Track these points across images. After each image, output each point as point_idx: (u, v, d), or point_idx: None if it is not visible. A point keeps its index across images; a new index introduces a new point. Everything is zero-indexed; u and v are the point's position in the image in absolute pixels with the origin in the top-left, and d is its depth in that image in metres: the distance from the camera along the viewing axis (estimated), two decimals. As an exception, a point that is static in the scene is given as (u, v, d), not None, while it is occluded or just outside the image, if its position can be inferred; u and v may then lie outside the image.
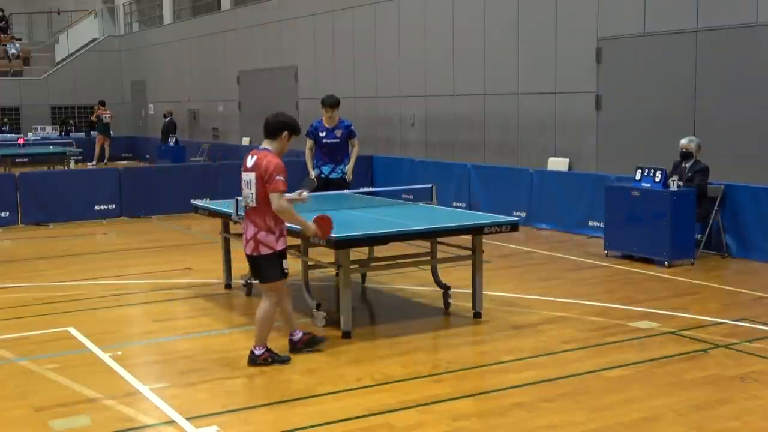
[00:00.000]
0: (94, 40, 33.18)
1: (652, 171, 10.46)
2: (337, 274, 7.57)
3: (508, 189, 13.87)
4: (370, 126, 18.69)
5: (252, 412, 5.70)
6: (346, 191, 10.07)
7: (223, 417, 5.59)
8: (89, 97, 30.33)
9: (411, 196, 10.13)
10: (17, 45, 33.45)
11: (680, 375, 6.30)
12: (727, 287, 9.21)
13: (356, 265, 8.18)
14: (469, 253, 8.00)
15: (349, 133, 10.22)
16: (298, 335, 6.96)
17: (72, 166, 21.35)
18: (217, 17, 25.58)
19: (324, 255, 8.64)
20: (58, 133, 29.20)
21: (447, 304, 8.33)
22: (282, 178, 6.45)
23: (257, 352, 6.67)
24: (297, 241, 7.75)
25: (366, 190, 11.49)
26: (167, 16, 29.69)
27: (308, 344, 6.94)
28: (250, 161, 6.62)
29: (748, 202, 10.62)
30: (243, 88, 24.15)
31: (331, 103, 9.95)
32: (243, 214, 6.86)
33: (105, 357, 6.96)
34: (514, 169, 14.23)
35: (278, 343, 6.93)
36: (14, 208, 14.53)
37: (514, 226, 7.96)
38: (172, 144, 23.40)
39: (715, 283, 9.41)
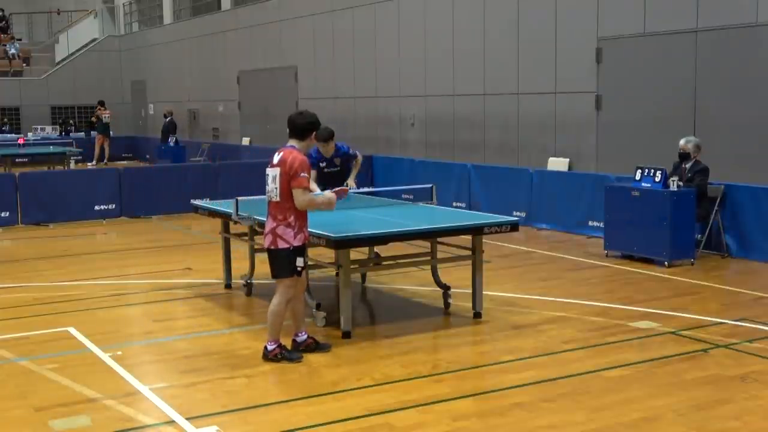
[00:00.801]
0: (94, 40, 33.18)
1: (652, 171, 10.46)
2: (337, 274, 7.57)
3: (508, 189, 13.87)
4: (370, 126, 18.70)
5: (252, 412, 5.70)
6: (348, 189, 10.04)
7: (223, 417, 5.59)
8: (89, 97, 30.33)
9: (411, 196, 10.13)
10: (17, 45, 33.45)
11: (680, 375, 6.30)
12: (727, 287, 9.21)
13: (356, 265, 8.18)
14: (469, 253, 8.00)
15: (348, 158, 9.75)
16: (303, 337, 6.98)
17: (72, 166, 21.36)
18: (217, 17, 25.58)
19: (324, 255, 8.64)
20: (58, 133, 29.19)
21: (447, 304, 8.33)
22: (306, 174, 6.60)
23: (269, 347, 6.73)
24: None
25: (366, 190, 11.48)
26: (167, 16, 29.69)
27: (310, 349, 6.95)
28: (276, 157, 6.72)
29: (748, 202, 10.62)
30: (243, 88, 24.15)
31: (325, 138, 9.25)
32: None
33: (105, 357, 6.96)
34: (514, 169, 14.23)
35: (288, 341, 6.93)
36: (14, 208, 14.53)
37: (514, 226, 7.96)
38: (172, 144, 23.39)
39: (715, 283, 9.41)
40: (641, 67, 12.48)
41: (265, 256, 9.43)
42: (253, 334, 7.57)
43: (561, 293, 8.98)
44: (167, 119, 24.45)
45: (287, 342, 6.89)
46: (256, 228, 8.41)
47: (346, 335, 7.31)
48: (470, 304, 8.04)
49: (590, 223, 12.46)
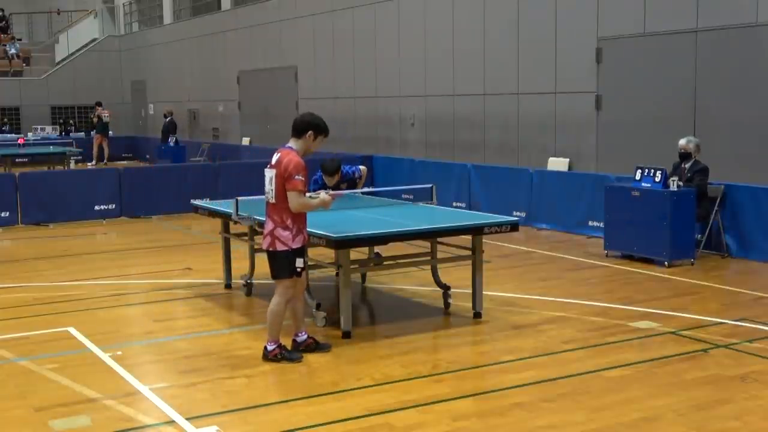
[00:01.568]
0: (94, 40, 33.18)
1: (652, 171, 10.46)
2: (337, 274, 7.58)
3: (508, 189, 13.87)
4: (370, 126, 18.70)
5: (252, 412, 5.70)
6: (346, 190, 10.04)
7: (223, 417, 5.59)
8: (89, 97, 30.34)
9: (411, 196, 10.13)
10: (17, 45, 33.45)
11: (680, 375, 6.30)
12: (727, 287, 9.21)
13: (356, 265, 8.18)
14: (469, 253, 8.00)
15: (354, 182, 9.41)
16: (303, 337, 6.98)
17: (72, 166, 21.36)
18: (217, 17, 25.58)
19: (324, 255, 8.64)
20: (58, 133, 29.20)
21: (447, 304, 8.33)
22: (301, 177, 6.53)
23: (269, 348, 6.73)
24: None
25: (366, 190, 11.48)
26: (167, 16, 29.69)
27: (310, 349, 6.95)
28: (274, 158, 6.69)
29: (748, 202, 10.62)
30: (243, 88, 24.15)
31: (331, 172, 8.91)
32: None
33: (105, 357, 6.96)
34: (514, 169, 14.23)
35: (288, 341, 6.93)
36: (14, 208, 14.53)
37: (514, 226, 7.96)
38: (172, 144, 23.39)
39: (715, 283, 9.41)
40: (641, 67, 12.48)
41: (265, 256, 9.48)
42: (253, 334, 7.57)
43: (561, 293, 8.98)
44: (167, 119, 24.46)
45: (287, 342, 6.89)
46: (256, 228, 8.41)
47: (346, 335, 7.31)
48: (470, 304, 8.04)
49: (590, 223, 12.46)
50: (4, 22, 34.92)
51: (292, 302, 6.87)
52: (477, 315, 7.97)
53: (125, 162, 26.96)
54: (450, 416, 5.53)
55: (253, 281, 9.06)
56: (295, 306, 6.92)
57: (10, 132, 29.69)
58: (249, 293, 9.02)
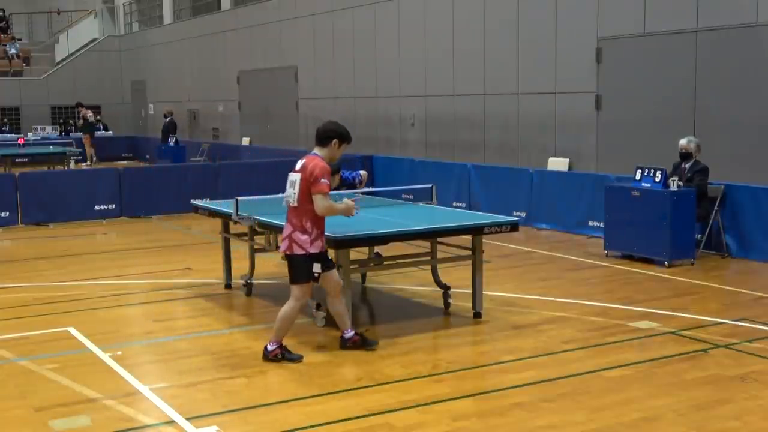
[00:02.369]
0: (94, 40, 33.19)
1: (652, 171, 10.46)
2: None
3: (508, 189, 13.87)
4: (370, 126, 18.70)
5: (252, 412, 5.70)
6: (345, 191, 10.04)
7: (223, 417, 5.59)
8: (89, 97, 30.34)
9: (411, 196, 10.13)
10: (17, 45, 33.45)
11: (680, 375, 6.30)
12: (727, 287, 9.21)
13: (356, 265, 8.18)
14: (469, 253, 8.00)
15: (354, 186, 9.35)
16: (350, 334, 7.01)
17: (72, 166, 21.37)
18: (217, 17, 25.58)
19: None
20: (58, 133, 29.20)
21: (447, 304, 8.33)
22: (326, 180, 6.60)
23: (269, 348, 6.73)
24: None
25: (366, 190, 11.47)
26: (167, 16, 29.69)
27: (356, 345, 6.97)
28: (299, 164, 6.76)
29: (748, 202, 10.62)
30: (243, 88, 24.15)
31: (332, 171, 9.11)
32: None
33: (105, 357, 6.96)
34: (514, 169, 14.23)
35: (288, 341, 6.92)
36: (14, 208, 14.53)
37: (514, 226, 7.97)
38: (172, 144, 23.40)
39: (715, 283, 9.41)
40: (641, 67, 12.48)
41: (264, 256, 9.50)
42: (253, 334, 7.57)
43: (561, 293, 8.98)
44: (167, 119, 24.46)
45: (288, 343, 6.88)
46: (256, 228, 8.42)
47: (346, 335, 7.31)
48: (470, 304, 8.03)
49: (590, 223, 12.46)
50: (4, 22, 34.92)
51: (331, 302, 6.92)
52: (477, 315, 7.97)
53: (125, 162, 26.96)
54: (450, 416, 5.53)
55: (253, 281, 9.05)
56: (335, 306, 6.94)
57: (10, 132, 29.69)
58: (249, 293, 9.02)
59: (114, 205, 15.29)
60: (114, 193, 15.33)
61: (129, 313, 8.73)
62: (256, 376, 6.44)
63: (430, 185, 9.56)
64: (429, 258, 8.46)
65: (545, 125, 14.19)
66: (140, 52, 31.35)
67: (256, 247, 8.87)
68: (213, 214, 9.30)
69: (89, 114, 26.65)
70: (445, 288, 8.37)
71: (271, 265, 10.29)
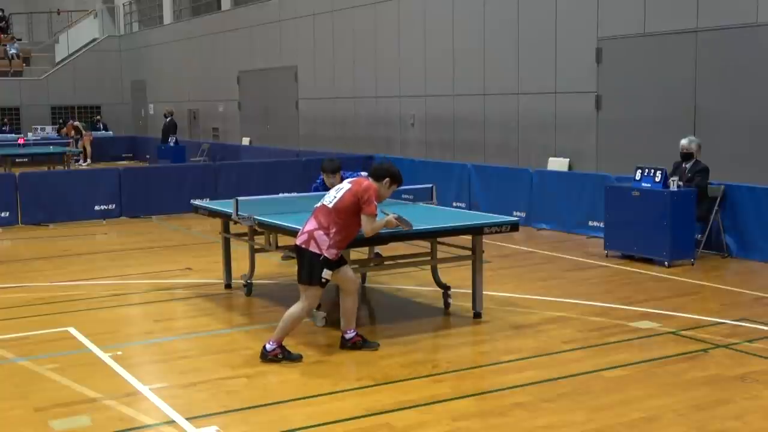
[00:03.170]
0: (94, 40, 33.18)
1: (652, 171, 10.45)
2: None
3: (508, 189, 13.87)
4: (370, 126, 18.70)
5: (252, 412, 5.70)
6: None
7: (223, 417, 5.59)
8: (89, 97, 30.37)
9: (411, 196, 10.11)
10: (17, 45, 33.44)
11: (680, 375, 6.30)
12: (727, 287, 9.21)
13: (356, 265, 8.18)
14: (469, 253, 8.00)
15: None
16: (351, 334, 7.02)
17: (75, 165, 21.40)
18: (217, 17, 25.58)
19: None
20: (58, 133, 29.20)
21: (447, 304, 8.32)
22: (376, 204, 6.75)
23: (269, 347, 6.72)
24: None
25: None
26: (167, 16, 29.69)
27: (357, 346, 6.98)
28: (351, 177, 7.08)
29: (748, 202, 10.62)
30: (243, 88, 24.16)
31: (332, 170, 8.88)
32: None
33: (105, 357, 6.95)
34: (514, 169, 14.23)
35: (288, 341, 6.92)
36: (14, 208, 14.53)
37: (514, 226, 7.97)
38: (172, 144, 23.40)
39: (715, 283, 9.41)
40: (641, 67, 12.48)
41: (264, 256, 9.50)
42: (253, 334, 7.57)
43: (561, 293, 8.98)
44: (167, 119, 24.47)
45: (288, 343, 6.87)
46: (256, 228, 8.41)
47: (346, 335, 7.31)
48: (470, 304, 8.03)
49: (590, 223, 12.46)
50: (4, 22, 34.93)
51: (344, 300, 6.95)
52: (477, 315, 7.97)
53: (125, 162, 26.97)
54: (450, 416, 5.53)
55: (253, 281, 9.05)
56: (346, 302, 6.96)
57: (10, 132, 29.68)
58: (249, 293, 9.01)
59: (114, 205, 15.28)
60: (114, 193, 15.32)
61: (129, 313, 8.73)
62: (256, 376, 6.44)
63: (430, 185, 9.56)
64: (429, 258, 8.46)
65: (545, 125, 14.19)
66: (140, 52, 31.35)
67: (256, 247, 8.87)
68: (213, 214, 9.30)
69: (78, 124, 26.75)
70: (445, 288, 8.37)
71: (271, 265, 10.29)
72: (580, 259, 10.94)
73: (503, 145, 15.08)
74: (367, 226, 6.73)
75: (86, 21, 33.91)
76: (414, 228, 7.12)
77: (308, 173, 14.49)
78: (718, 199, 10.70)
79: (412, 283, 9.47)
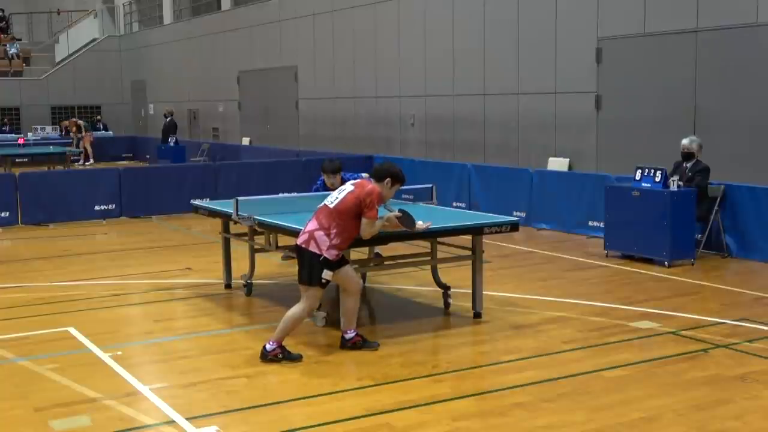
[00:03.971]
0: (94, 40, 33.19)
1: (652, 171, 10.46)
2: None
3: (508, 189, 13.87)
4: (370, 126, 18.70)
5: (252, 412, 5.70)
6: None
7: (223, 417, 5.59)
8: (89, 97, 30.36)
9: (411, 196, 10.12)
10: (17, 45, 33.44)
11: (680, 375, 6.30)
12: (727, 287, 9.21)
13: (356, 265, 8.17)
14: (469, 253, 8.00)
15: None
16: (351, 335, 7.01)
17: (77, 165, 21.41)
18: (217, 17, 25.58)
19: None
20: (58, 133, 29.20)
21: (447, 304, 8.32)
22: (378, 208, 6.74)
23: (269, 347, 6.72)
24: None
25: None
26: (167, 16, 29.69)
27: (356, 346, 6.98)
28: (351, 178, 7.05)
29: (748, 202, 10.62)
30: (243, 88, 24.16)
31: (332, 170, 8.87)
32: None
33: (105, 357, 6.96)
34: (514, 169, 14.23)
35: (288, 341, 6.92)
36: (14, 208, 14.52)
37: (514, 226, 7.97)
38: (172, 144, 23.40)
39: (715, 283, 9.41)
40: (641, 67, 12.48)
41: (264, 256, 9.50)
42: (253, 334, 7.57)
43: (561, 293, 8.98)
44: (167, 119, 24.47)
45: (288, 343, 6.87)
46: (256, 228, 8.41)
47: (346, 335, 7.30)
48: (470, 304, 8.03)
49: (590, 223, 12.46)
50: (4, 22, 34.93)
51: (345, 300, 6.95)
52: (477, 315, 7.97)
53: (125, 162, 26.97)
54: (450, 416, 5.53)
55: (253, 281, 9.05)
56: (347, 302, 6.96)
57: (10, 132, 29.69)
58: (249, 293, 9.01)
59: (114, 205, 15.28)
60: (114, 193, 15.32)
61: (129, 313, 8.73)
62: (256, 376, 6.44)
63: (430, 185, 9.56)
64: (429, 258, 8.46)
65: (545, 125, 14.19)
66: (140, 52, 31.35)
67: (256, 247, 8.87)
68: (213, 214, 9.30)
69: (80, 122, 26.74)
70: (445, 288, 8.37)
71: (271, 265, 10.29)
72: (580, 259, 10.94)
73: (503, 145, 15.08)
74: (366, 230, 6.76)
75: (86, 21, 33.91)
76: (415, 227, 7.12)
77: (308, 173, 14.50)
78: (718, 199, 10.70)
79: (412, 283, 9.47)
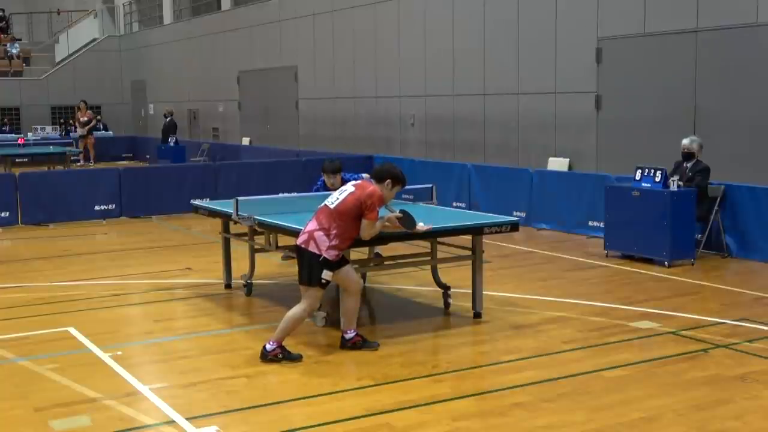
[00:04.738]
0: (94, 40, 33.17)
1: (652, 171, 10.46)
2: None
3: (508, 189, 13.87)
4: (370, 126, 18.70)
5: (252, 412, 5.70)
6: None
7: (223, 417, 5.59)
8: (89, 97, 30.28)
9: (411, 196, 10.12)
10: (17, 45, 33.43)
11: (680, 375, 6.30)
12: (727, 287, 9.21)
13: (356, 265, 8.17)
14: (469, 253, 8.00)
15: None
16: (351, 335, 7.02)
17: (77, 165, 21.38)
18: (217, 17, 25.58)
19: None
20: (58, 133, 29.19)
21: (447, 304, 8.32)
22: (378, 210, 6.74)
23: (269, 347, 6.72)
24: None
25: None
26: (167, 16, 29.68)
27: (356, 346, 6.98)
28: (352, 178, 7.02)
29: (748, 202, 10.62)
30: (243, 88, 24.15)
31: (333, 170, 8.89)
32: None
33: (105, 357, 6.96)
34: (514, 169, 14.23)
35: (288, 341, 6.92)
36: (14, 208, 14.52)
37: (514, 226, 7.97)
38: (172, 144, 23.40)
39: (715, 283, 9.41)
40: (641, 67, 12.48)
41: (264, 256, 9.50)
42: (253, 334, 7.57)
43: (561, 293, 8.98)
44: (167, 119, 24.47)
45: (288, 343, 6.87)
46: (256, 228, 8.41)
47: (346, 335, 7.30)
48: (470, 304, 8.03)
49: (590, 223, 12.46)
50: (4, 22, 34.91)
51: (345, 300, 6.96)
52: (477, 315, 7.97)
53: (125, 162, 26.96)
54: (450, 416, 5.53)
55: (253, 281, 9.05)
56: (347, 302, 6.96)
57: (10, 132, 29.68)
58: (249, 293, 9.01)
59: (114, 205, 15.28)
60: (114, 193, 15.32)
61: (129, 313, 8.73)
62: (256, 376, 6.44)
63: (430, 185, 9.56)
64: (429, 258, 8.46)
65: (545, 125, 14.19)
66: (140, 52, 31.34)
67: (256, 247, 8.87)
68: (213, 214, 9.30)
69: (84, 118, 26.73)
70: (445, 288, 8.37)
71: (271, 265, 10.29)
72: (580, 259, 10.94)
73: (503, 145, 15.07)
74: (365, 232, 6.77)
75: (86, 21, 33.90)
76: (416, 228, 7.12)
77: (308, 173, 14.50)
78: (718, 199, 10.70)
79: (412, 283, 9.47)
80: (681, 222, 10.19)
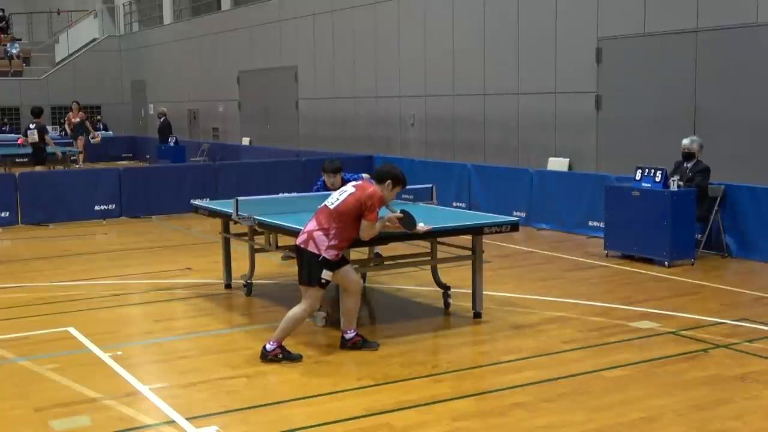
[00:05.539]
0: (94, 40, 33.18)
1: (652, 171, 10.46)
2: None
3: (508, 189, 13.87)
4: (370, 126, 18.70)
5: (252, 412, 5.70)
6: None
7: (223, 417, 5.59)
8: (89, 97, 30.31)
9: (411, 196, 10.12)
10: (17, 45, 33.43)
11: (680, 375, 6.30)
12: (727, 287, 9.21)
13: (356, 265, 8.17)
14: (469, 253, 8.00)
15: None
16: (351, 335, 7.01)
17: (77, 165, 21.34)
18: (217, 17, 25.58)
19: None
20: (58, 133, 29.17)
21: (447, 304, 8.32)
22: (378, 211, 6.73)
23: (269, 347, 6.72)
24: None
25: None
26: (167, 16, 29.69)
27: (356, 346, 6.98)
28: (352, 179, 7.01)
29: (748, 202, 10.62)
30: (243, 88, 24.15)
31: (333, 170, 8.89)
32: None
33: (105, 357, 6.96)
34: (514, 169, 14.23)
35: (288, 341, 6.92)
36: (14, 208, 14.52)
37: (514, 226, 7.97)
38: (172, 144, 23.38)
39: (715, 283, 9.41)
40: (641, 67, 12.48)
41: (264, 256, 9.50)
42: (253, 334, 7.57)
43: (561, 293, 8.98)
44: (161, 119, 24.40)
45: (288, 343, 6.87)
46: (256, 228, 8.41)
47: (346, 335, 7.30)
48: (470, 304, 8.03)
49: (590, 223, 12.46)
50: (4, 22, 34.92)
51: (345, 300, 6.95)
52: (477, 315, 7.97)
53: (125, 162, 26.96)
54: (450, 416, 5.53)
55: (253, 281, 9.05)
56: (346, 302, 6.96)
57: (10, 132, 29.66)
58: (249, 293, 9.01)
59: (114, 205, 15.28)
60: (114, 193, 15.32)
61: (129, 313, 8.73)
62: (256, 376, 6.44)
63: (430, 185, 9.56)
64: (429, 258, 8.46)
65: (545, 125, 14.19)
66: (140, 52, 31.35)
67: (256, 247, 8.87)
68: (213, 214, 9.30)
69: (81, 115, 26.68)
70: (445, 288, 8.37)
71: (271, 265, 10.29)
72: (580, 259, 10.94)
73: (503, 145, 15.08)
74: (365, 233, 6.77)
75: (86, 21, 33.90)
76: (416, 228, 7.12)
77: (308, 173, 14.51)
78: (718, 199, 10.70)
79: (412, 283, 9.47)
80: (681, 222, 10.19)
